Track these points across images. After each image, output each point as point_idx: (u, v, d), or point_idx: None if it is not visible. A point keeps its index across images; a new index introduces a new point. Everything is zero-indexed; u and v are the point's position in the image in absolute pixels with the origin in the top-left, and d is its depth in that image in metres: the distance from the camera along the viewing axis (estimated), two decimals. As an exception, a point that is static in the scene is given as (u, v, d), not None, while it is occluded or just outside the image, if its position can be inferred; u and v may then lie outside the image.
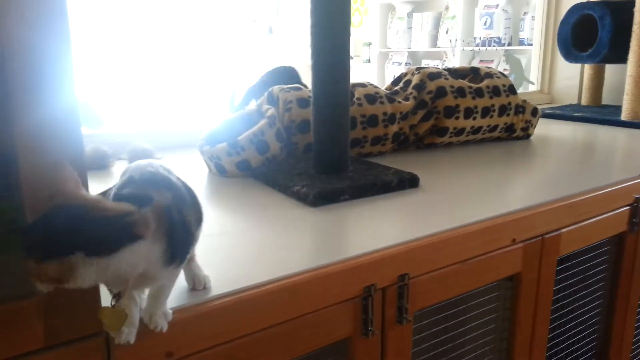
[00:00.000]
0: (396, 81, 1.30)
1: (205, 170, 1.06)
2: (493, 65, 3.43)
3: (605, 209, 0.94)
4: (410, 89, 1.21)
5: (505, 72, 2.23)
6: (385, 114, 1.13)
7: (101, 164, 1.08)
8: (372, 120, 1.12)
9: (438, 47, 3.90)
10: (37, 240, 0.38)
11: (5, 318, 0.43)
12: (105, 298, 0.46)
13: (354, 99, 1.12)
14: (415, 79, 1.23)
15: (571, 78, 2.13)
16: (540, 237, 0.84)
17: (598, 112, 1.80)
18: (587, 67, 1.97)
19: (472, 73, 1.35)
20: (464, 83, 1.25)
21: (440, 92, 1.21)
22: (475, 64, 3.58)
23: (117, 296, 0.44)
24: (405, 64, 4.12)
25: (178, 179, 0.51)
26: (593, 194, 0.91)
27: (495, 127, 1.29)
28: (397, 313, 0.68)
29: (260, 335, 0.57)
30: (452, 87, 1.22)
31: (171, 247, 0.44)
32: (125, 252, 0.40)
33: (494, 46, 3.41)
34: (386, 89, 1.26)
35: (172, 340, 0.51)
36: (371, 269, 0.64)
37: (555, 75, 2.19)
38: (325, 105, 0.91)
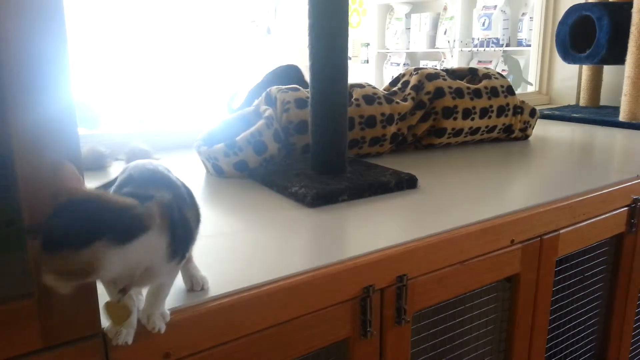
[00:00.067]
0: (394, 82, 1.30)
1: (202, 171, 1.05)
2: (491, 66, 3.44)
3: (603, 209, 0.94)
4: (408, 90, 1.21)
5: (504, 73, 2.23)
6: (383, 114, 1.13)
7: (98, 165, 1.08)
8: (370, 121, 1.12)
9: (436, 48, 3.91)
10: (58, 232, 0.37)
11: (4, 318, 0.42)
12: (104, 299, 0.46)
13: (352, 99, 1.12)
14: (413, 80, 1.23)
15: (569, 79, 2.13)
16: (538, 238, 0.84)
17: (596, 113, 1.80)
18: (585, 68, 1.97)
19: (471, 74, 1.35)
20: (462, 84, 1.25)
21: (439, 92, 1.21)
22: (474, 64, 3.58)
23: (122, 291, 0.44)
24: (404, 64, 4.13)
25: (177, 178, 0.51)
26: (591, 195, 0.91)
27: (494, 127, 1.30)
28: (396, 314, 0.68)
29: (258, 337, 0.57)
30: (450, 87, 1.22)
31: (173, 243, 0.44)
32: (137, 242, 0.40)
33: (492, 47, 3.42)
34: (384, 89, 1.26)
35: (169, 341, 0.51)
36: (370, 270, 0.64)
37: (554, 76, 2.19)
38: (323, 105, 0.91)
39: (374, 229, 0.74)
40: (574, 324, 1.02)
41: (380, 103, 1.14)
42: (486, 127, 1.28)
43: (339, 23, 0.88)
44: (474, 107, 1.23)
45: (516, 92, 1.35)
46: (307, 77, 1.24)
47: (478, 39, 3.48)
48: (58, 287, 0.39)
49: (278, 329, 0.58)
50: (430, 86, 1.21)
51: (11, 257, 0.46)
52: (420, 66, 1.61)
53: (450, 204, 0.84)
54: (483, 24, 3.43)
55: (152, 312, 0.48)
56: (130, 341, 0.46)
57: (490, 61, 3.51)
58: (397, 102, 1.17)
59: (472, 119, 1.24)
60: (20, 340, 0.43)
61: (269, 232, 0.73)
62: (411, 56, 4.17)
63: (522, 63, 3.10)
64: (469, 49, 3.59)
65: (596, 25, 1.74)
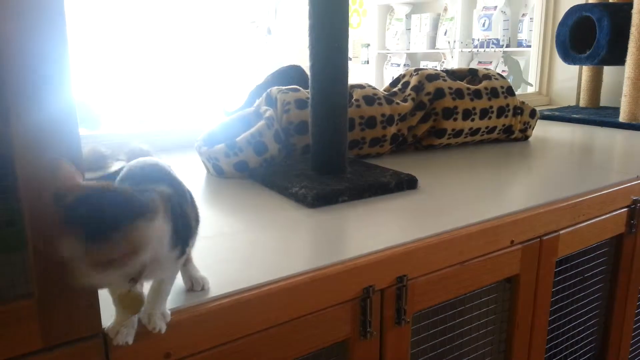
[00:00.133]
0: (394, 82, 1.30)
1: (203, 171, 1.06)
2: (491, 67, 3.44)
3: (603, 210, 0.94)
4: (408, 91, 1.21)
5: (504, 74, 2.23)
6: (383, 115, 1.13)
7: (99, 165, 1.08)
8: (370, 122, 1.12)
9: (436, 49, 3.91)
10: (102, 218, 0.38)
11: (4, 318, 0.42)
12: (103, 299, 0.46)
13: (353, 100, 1.12)
14: (413, 81, 1.23)
15: (569, 80, 2.13)
16: (538, 239, 0.84)
17: (596, 113, 1.80)
18: (585, 69, 1.97)
19: (471, 74, 1.35)
20: (462, 84, 1.25)
21: (439, 93, 1.21)
22: (474, 65, 3.58)
23: (132, 281, 0.44)
24: (404, 65, 4.13)
25: (177, 177, 0.51)
26: (591, 196, 0.91)
27: (494, 128, 1.30)
28: (396, 314, 0.68)
29: (258, 337, 0.57)
30: (450, 88, 1.22)
31: (175, 233, 0.45)
32: (154, 224, 0.41)
33: (492, 48, 3.42)
34: (384, 90, 1.27)
35: (170, 342, 0.51)
36: (370, 271, 0.64)
37: (554, 77, 2.19)
38: (324, 106, 0.91)
39: (374, 230, 0.74)
40: (574, 325, 1.02)
41: (380, 104, 1.14)
42: (486, 127, 1.28)
43: (339, 24, 0.88)
44: (474, 108, 1.24)
45: (516, 92, 1.35)
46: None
47: (478, 40, 3.48)
48: (101, 281, 0.39)
49: (278, 330, 0.58)
50: (430, 87, 1.21)
51: (11, 257, 0.46)
52: (421, 67, 1.61)
53: (450, 205, 0.84)
54: (483, 25, 3.44)
55: (153, 311, 0.48)
56: (130, 341, 0.46)
57: (491, 62, 3.51)
58: (398, 103, 1.17)
59: (472, 120, 1.24)
60: (20, 340, 0.43)
61: (269, 233, 0.73)
62: (411, 57, 4.17)
63: (522, 64, 3.10)
64: (469, 49, 3.59)
65: (596, 26, 1.74)
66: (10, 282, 0.45)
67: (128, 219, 0.38)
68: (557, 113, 1.83)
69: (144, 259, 0.42)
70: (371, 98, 1.14)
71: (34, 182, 0.41)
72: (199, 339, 0.53)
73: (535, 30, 2.26)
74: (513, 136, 1.36)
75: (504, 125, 1.31)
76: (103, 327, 0.47)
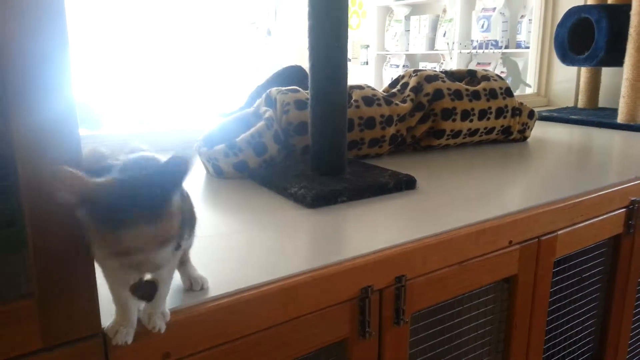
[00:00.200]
0: (393, 83, 1.30)
1: (202, 171, 1.06)
2: (490, 68, 3.44)
3: (601, 211, 0.95)
4: (407, 92, 1.22)
5: (502, 75, 2.24)
6: (382, 116, 1.13)
7: (99, 166, 1.08)
8: (369, 123, 1.12)
9: (435, 50, 3.91)
10: (149, 196, 0.40)
11: (4, 318, 0.43)
12: (103, 299, 0.47)
13: (352, 101, 1.12)
14: (412, 82, 1.23)
15: (568, 81, 2.14)
16: (536, 239, 0.84)
17: (594, 114, 1.80)
18: (584, 70, 1.98)
19: (469, 76, 1.35)
20: (461, 86, 1.26)
21: (438, 94, 1.21)
22: (473, 66, 3.59)
23: (137, 271, 0.45)
24: (403, 66, 4.13)
25: None
26: (589, 196, 0.91)
27: (492, 129, 1.30)
28: (394, 314, 0.68)
29: (257, 337, 0.57)
30: (449, 89, 1.23)
31: None
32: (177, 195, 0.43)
33: (491, 49, 3.42)
34: (384, 91, 1.27)
35: (169, 341, 0.51)
36: (368, 271, 0.64)
37: (552, 78, 2.20)
38: (323, 107, 0.91)
39: (373, 230, 0.74)
40: (572, 325, 1.02)
41: (379, 104, 1.14)
42: (485, 128, 1.28)
43: (338, 25, 0.88)
44: (472, 109, 1.24)
45: (515, 93, 1.36)
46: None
47: (477, 41, 3.49)
48: (156, 260, 0.41)
49: (277, 330, 0.58)
50: (429, 88, 1.21)
51: (11, 257, 0.46)
52: (420, 68, 1.61)
53: (448, 205, 0.84)
54: (482, 26, 3.44)
55: (152, 311, 0.48)
56: (130, 341, 0.46)
57: (489, 63, 3.52)
58: (397, 104, 1.17)
59: (471, 121, 1.24)
60: (20, 340, 0.44)
61: (269, 233, 0.73)
62: (410, 58, 4.18)
63: (520, 65, 3.11)
64: (468, 50, 3.60)
65: (595, 27, 1.74)
66: (10, 282, 0.45)
67: (170, 194, 0.41)
68: (555, 114, 1.83)
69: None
70: (370, 99, 1.14)
71: (34, 182, 0.41)
72: (198, 339, 0.53)
73: (533, 32, 2.26)
74: (511, 137, 1.36)
75: (502, 126, 1.31)
76: (103, 327, 0.47)
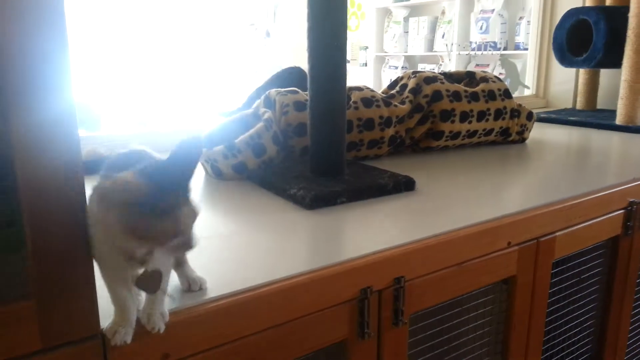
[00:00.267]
0: (392, 85, 1.30)
1: (201, 172, 1.06)
2: (489, 70, 3.45)
3: (599, 212, 0.95)
4: (406, 93, 1.22)
5: (501, 77, 2.24)
6: (381, 117, 1.14)
7: (98, 167, 1.08)
8: (368, 124, 1.12)
9: (434, 51, 3.92)
10: (179, 178, 0.44)
11: (3, 319, 0.43)
12: (102, 299, 0.47)
13: (351, 102, 1.12)
14: (411, 83, 1.23)
15: (566, 82, 2.14)
16: (535, 240, 0.84)
17: (593, 116, 1.81)
18: (582, 72, 1.98)
19: (468, 77, 1.35)
20: (460, 87, 1.26)
21: (436, 96, 1.21)
22: (471, 68, 3.59)
23: (141, 263, 0.45)
24: (402, 67, 4.14)
25: None
26: (588, 198, 0.91)
27: (491, 130, 1.30)
28: (393, 315, 0.68)
29: (256, 338, 0.57)
30: (448, 91, 1.23)
31: None
32: None
33: (489, 50, 3.43)
34: (382, 92, 1.27)
35: (168, 342, 0.51)
36: (367, 272, 0.64)
37: (551, 80, 2.20)
38: (322, 108, 0.92)
39: (371, 231, 0.74)
40: (571, 326, 1.02)
41: (378, 106, 1.14)
42: (483, 130, 1.28)
43: (337, 26, 0.89)
44: (471, 110, 1.24)
45: (513, 95, 1.36)
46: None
47: (476, 43, 3.49)
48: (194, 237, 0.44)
49: (276, 331, 0.58)
50: (428, 89, 1.21)
51: (11, 258, 0.46)
52: (418, 69, 1.61)
53: (447, 206, 0.85)
54: (481, 28, 3.45)
55: (152, 311, 0.48)
56: (129, 340, 0.46)
57: (488, 64, 3.52)
58: (395, 105, 1.17)
59: (470, 122, 1.24)
60: (19, 341, 0.44)
61: (268, 234, 0.73)
62: (409, 59, 4.18)
63: (519, 66, 3.12)
64: (467, 52, 3.60)
65: (593, 29, 1.75)
66: (9, 282, 0.45)
67: (190, 178, 0.44)
68: (553, 115, 1.83)
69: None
70: (369, 100, 1.14)
71: (34, 182, 0.41)
72: (197, 340, 0.53)
73: (532, 33, 2.27)
74: (510, 138, 1.36)
75: (501, 127, 1.31)
76: (102, 327, 0.47)
